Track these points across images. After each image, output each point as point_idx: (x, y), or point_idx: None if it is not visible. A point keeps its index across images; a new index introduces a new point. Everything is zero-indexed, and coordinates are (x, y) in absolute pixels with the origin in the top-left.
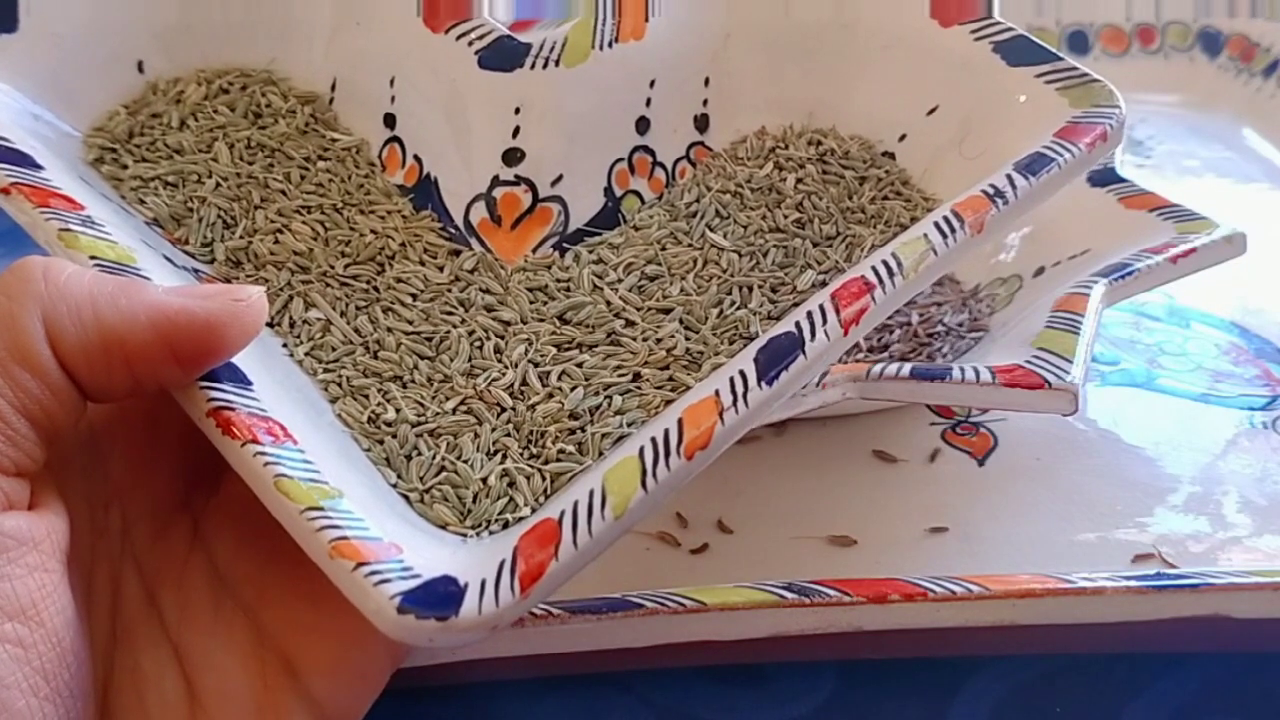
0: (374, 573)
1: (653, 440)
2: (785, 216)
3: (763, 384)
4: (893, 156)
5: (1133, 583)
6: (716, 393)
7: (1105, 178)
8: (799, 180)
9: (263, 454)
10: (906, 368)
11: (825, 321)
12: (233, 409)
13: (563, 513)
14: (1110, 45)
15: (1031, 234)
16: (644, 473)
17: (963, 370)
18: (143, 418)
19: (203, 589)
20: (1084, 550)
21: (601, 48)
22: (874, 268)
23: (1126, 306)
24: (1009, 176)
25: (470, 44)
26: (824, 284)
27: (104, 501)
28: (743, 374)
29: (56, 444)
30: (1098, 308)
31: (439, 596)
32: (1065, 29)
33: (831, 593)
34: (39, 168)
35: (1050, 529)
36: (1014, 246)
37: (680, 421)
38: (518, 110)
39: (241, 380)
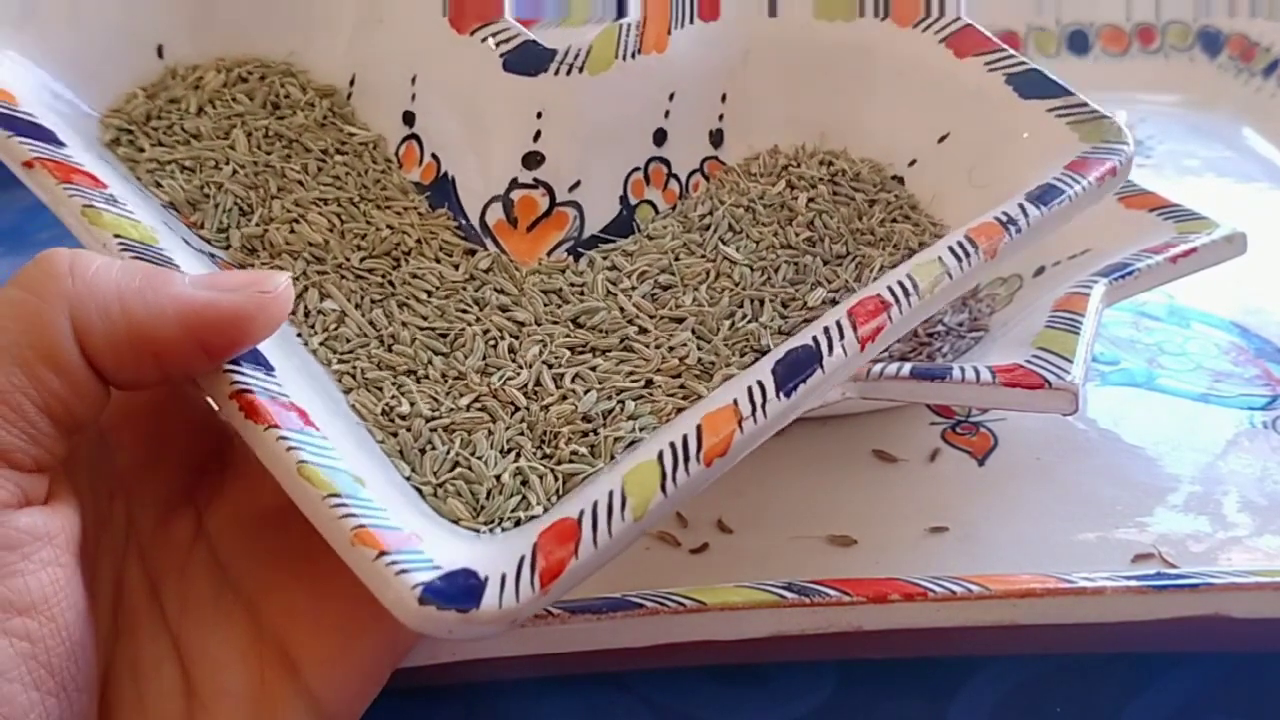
0: (395, 562)
1: (672, 445)
2: (797, 234)
3: (781, 395)
4: (902, 181)
5: (1133, 583)
6: (735, 402)
7: None
8: (810, 199)
9: (285, 439)
10: (906, 368)
11: (843, 337)
12: (255, 393)
13: (582, 512)
14: (1110, 45)
15: None
16: (664, 476)
17: (963, 370)
18: (149, 410)
19: (204, 582)
20: (1084, 550)
21: (625, 58)
22: (890, 287)
23: (1126, 306)
24: (1021, 205)
25: (495, 46)
26: (834, 302)
27: (109, 493)
28: (761, 385)
29: (76, 438)
30: (1098, 307)
31: (460, 589)
32: (1065, 29)
33: (831, 593)
34: (61, 144)
35: (1050, 529)
36: None
37: (699, 428)
38: (539, 115)
39: (264, 365)
